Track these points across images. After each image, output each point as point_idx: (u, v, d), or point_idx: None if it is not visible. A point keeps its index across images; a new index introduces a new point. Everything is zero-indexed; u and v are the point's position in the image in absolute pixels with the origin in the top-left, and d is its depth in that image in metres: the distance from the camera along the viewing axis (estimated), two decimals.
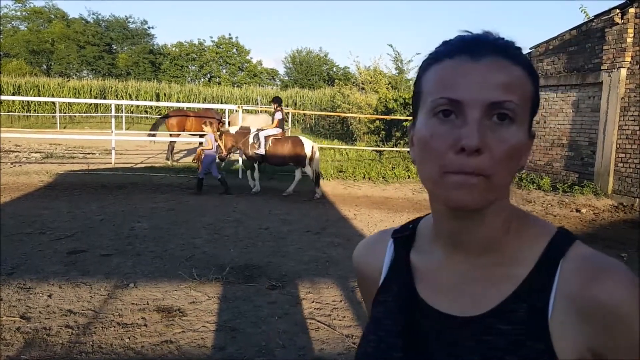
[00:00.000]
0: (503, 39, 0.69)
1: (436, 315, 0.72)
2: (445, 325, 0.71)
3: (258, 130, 9.67)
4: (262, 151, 9.38)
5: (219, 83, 45.21)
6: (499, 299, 0.69)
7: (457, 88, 0.64)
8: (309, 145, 9.54)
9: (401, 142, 15.39)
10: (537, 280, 0.68)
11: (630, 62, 9.33)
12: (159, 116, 15.45)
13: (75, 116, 28.99)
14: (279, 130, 9.76)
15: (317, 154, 9.71)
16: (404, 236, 0.82)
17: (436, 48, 0.71)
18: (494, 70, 0.64)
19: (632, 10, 9.18)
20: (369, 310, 0.84)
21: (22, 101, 28.35)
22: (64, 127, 23.94)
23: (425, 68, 0.70)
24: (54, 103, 27.82)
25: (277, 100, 10.15)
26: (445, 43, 0.70)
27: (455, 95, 0.64)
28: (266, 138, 9.48)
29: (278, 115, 9.85)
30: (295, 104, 33.52)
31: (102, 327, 3.66)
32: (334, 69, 50.58)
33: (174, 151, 13.48)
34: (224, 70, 50.28)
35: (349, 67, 46.38)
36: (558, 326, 0.65)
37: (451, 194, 0.65)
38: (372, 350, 0.76)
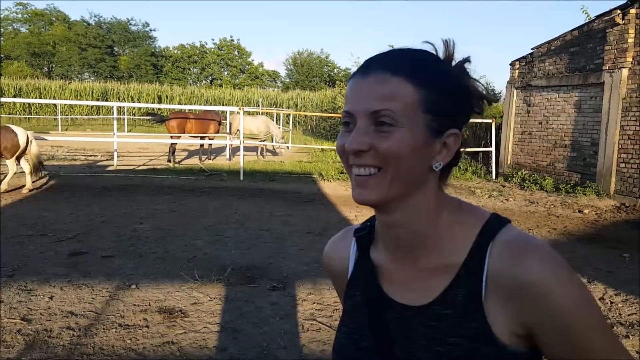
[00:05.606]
0: (399, 52, 0.77)
1: (395, 305, 0.80)
2: (402, 314, 0.79)
3: None
4: None
5: (221, 85, 45.30)
6: (441, 287, 0.76)
7: (350, 101, 0.76)
8: (24, 135, 8.65)
9: None
10: (470, 266, 0.75)
11: (631, 63, 9.32)
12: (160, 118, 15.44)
13: (77, 118, 29.05)
14: None
15: (33, 143, 8.85)
16: (364, 234, 0.90)
17: None
18: (375, 84, 0.73)
19: (633, 10, 9.17)
20: (342, 303, 0.92)
21: (24, 103, 28.42)
22: (66, 130, 23.96)
23: None
24: (55, 105, 27.91)
25: None
26: None
27: (349, 108, 0.75)
28: None
29: None
30: (297, 106, 33.57)
31: (103, 329, 3.65)
32: (335, 71, 50.68)
33: (175, 153, 13.49)
34: (226, 73, 50.37)
35: (350, 69, 46.42)
36: (491, 306, 0.72)
37: (354, 191, 0.76)
38: (345, 341, 0.85)
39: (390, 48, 0.79)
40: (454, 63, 0.78)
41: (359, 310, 0.84)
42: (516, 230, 0.77)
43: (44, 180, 9.75)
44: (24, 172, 8.81)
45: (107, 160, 13.56)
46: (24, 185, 8.71)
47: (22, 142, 8.52)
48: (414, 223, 0.78)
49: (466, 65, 0.79)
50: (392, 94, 0.72)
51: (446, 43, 0.78)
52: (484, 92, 0.80)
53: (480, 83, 0.80)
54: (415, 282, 0.79)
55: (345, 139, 0.75)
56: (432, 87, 0.74)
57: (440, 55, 0.79)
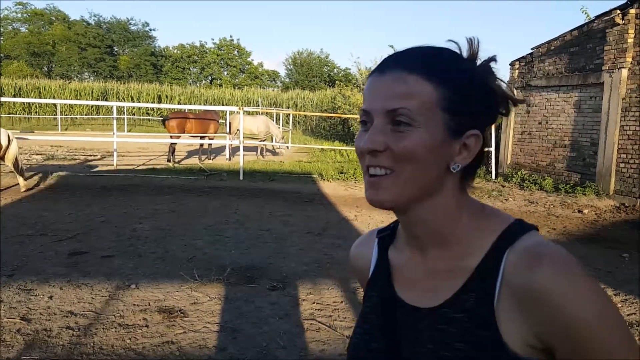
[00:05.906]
0: (417, 50, 0.76)
1: (406, 307, 0.79)
2: (412, 316, 0.78)
3: None
4: None
5: (221, 85, 45.28)
6: (453, 290, 0.74)
7: (367, 100, 0.75)
8: (5, 135, 8.31)
9: None
10: (485, 270, 0.73)
11: (631, 63, 9.32)
12: (161, 118, 15.47)
13: (76, 118, 29.04)
14: None
15: (14, 143, 8.48)
16: (386, 235, 0.90)
17: None
18: (392, 82, 0.72)
19: (632, 10, 9.17)
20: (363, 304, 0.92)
21: (23, 103, 28.40)
22: (65, 129, 23.96)
23: None
24: (55, 105, 27.89)
25: None
26: None
27: (366, 106, 0.75)
28: None
29: None
30: (296, 106, 33.57)
31: (103, 328, 3.65)
32: (335, 71, 50.65)
33: (175, 153, 13.49)
34: (225, 72, 50.34)
35: (349, 69, 46.49)
36: (503, 313, 0.69)
37: (367, 192, 0.75)
38: (358, 341, 0.84)
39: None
40: (478, 62, 0.77)
41: (374, 311, 0.84)
42: (539, 237, 0.74)
43: (36, 180, 9.75)
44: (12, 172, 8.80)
45: (106, 159, 13.56)
46: (17, 184, 8.72)
47: (3, 143, 8.33)
48: (431, 224, 0.77)
49: (492, 64, 0.77)
50: (409, 93, 0.71)
51: (470, 41, 0.77)
52: (508, 92, 0.78)
53: (505, 83, 0.78)
54: (428, 283, 0.78)
55: (363, 138, 0.74)
56: (452, 85, 0.72)
57: (464, 54, 0.77)
